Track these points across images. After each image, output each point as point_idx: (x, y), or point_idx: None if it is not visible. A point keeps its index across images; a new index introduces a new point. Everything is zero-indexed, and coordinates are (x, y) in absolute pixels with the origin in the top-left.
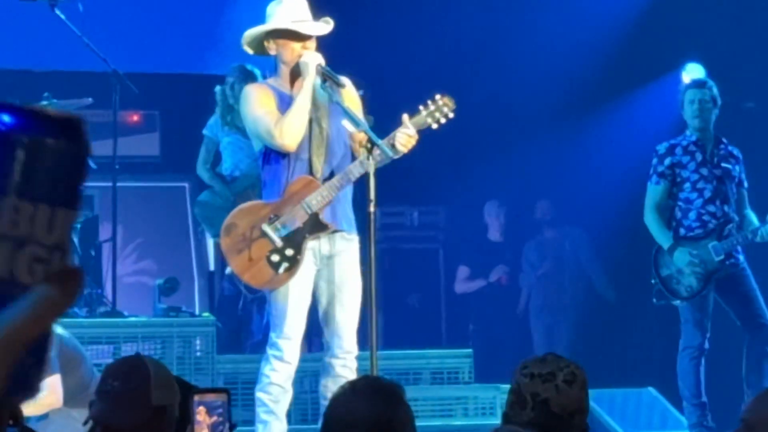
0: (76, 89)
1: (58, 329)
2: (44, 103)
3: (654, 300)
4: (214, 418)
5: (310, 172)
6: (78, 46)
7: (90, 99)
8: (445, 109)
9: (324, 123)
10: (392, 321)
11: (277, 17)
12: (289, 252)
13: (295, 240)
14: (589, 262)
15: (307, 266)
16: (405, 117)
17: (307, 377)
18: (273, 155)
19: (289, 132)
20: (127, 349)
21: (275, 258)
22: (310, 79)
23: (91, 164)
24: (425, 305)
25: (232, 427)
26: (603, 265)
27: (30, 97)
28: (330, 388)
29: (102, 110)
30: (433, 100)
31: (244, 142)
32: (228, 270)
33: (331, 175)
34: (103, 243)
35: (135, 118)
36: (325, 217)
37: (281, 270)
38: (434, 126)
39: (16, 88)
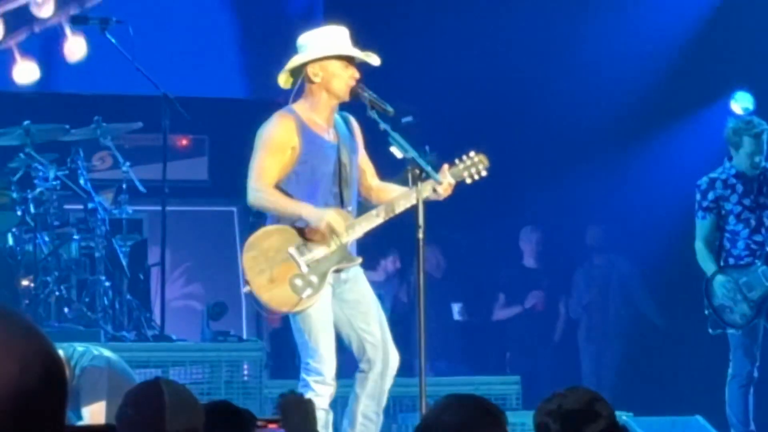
0: (127, 113)
1: (107, 352)
2: (93, 126)
3: (710, 330)
4: None
5: (341, 204)
6: (128, 69)
7: (140, 123)
8: (480, 166)
9: (349, 158)
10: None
11: (326, 44)
12: (314, 279)
13: (320, 269)
14: (639, 295)
15: (327, 288)
16: (445, 167)
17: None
18: (301, 183)
19: (259, 203)
20: (175, 374)
21: (299, 282)
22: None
23: (141, 188)
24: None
25: None
26: (653, 295)
27: (80, 121)
28: (371, 406)
29: (152, 134)
30: (468, 156)
31: None
32: (246, 289)
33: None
34: (151, 267)
35: (184, 142)
36: (351, 249)
37: (304, 295)
38: (468, 181)
39: (66, 111)
